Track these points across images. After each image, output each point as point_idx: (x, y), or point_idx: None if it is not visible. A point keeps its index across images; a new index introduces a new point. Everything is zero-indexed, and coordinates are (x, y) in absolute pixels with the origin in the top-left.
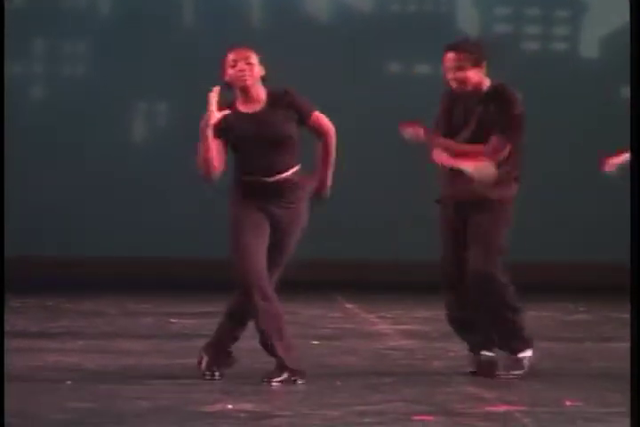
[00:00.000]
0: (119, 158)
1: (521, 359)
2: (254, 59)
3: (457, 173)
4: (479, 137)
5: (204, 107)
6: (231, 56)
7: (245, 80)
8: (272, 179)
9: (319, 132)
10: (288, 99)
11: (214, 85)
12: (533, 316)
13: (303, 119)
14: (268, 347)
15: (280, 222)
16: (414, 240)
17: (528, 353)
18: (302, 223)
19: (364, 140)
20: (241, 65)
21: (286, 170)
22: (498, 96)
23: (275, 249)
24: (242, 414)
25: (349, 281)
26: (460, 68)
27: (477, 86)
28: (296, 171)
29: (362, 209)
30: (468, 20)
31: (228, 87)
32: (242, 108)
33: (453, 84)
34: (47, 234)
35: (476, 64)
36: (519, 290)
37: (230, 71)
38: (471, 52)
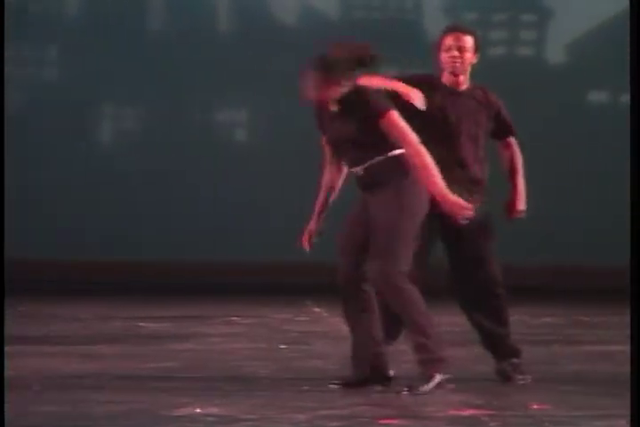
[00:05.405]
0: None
1: None
2: None
3: None
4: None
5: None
6: None
7: None
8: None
9: None
10: None
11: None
12: None
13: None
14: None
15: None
16: None
17: None
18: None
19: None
20: None
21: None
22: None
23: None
24: (209, 418)
25: (318, 285)
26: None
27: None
28: None
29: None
30: (434, 26)
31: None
32: None
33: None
34: (17, 236)
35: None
36: None
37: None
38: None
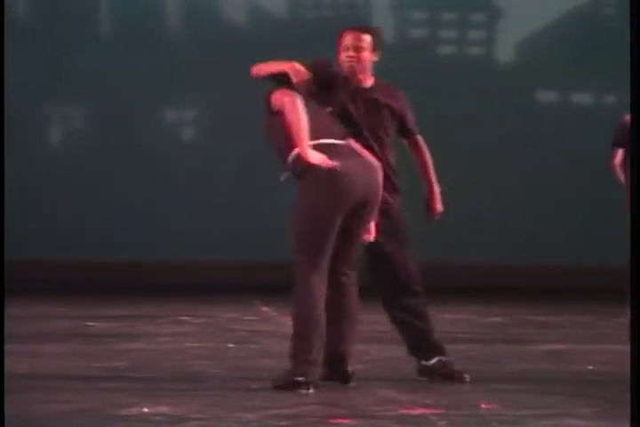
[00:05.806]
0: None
1: None
2: None
3: None
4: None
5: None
6: None
7: None
8: None
9: None
10: None
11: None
12: (448, 318)
13: None
14: None
15: None
16: None
17: None
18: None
19: None
20: None
21: None
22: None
23: None
24: (158, 417)
25: (266, 284)
26: (370, 52)
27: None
28: None
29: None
30: (384, 25)
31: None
32: None
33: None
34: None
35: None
36: (437, 293)
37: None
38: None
